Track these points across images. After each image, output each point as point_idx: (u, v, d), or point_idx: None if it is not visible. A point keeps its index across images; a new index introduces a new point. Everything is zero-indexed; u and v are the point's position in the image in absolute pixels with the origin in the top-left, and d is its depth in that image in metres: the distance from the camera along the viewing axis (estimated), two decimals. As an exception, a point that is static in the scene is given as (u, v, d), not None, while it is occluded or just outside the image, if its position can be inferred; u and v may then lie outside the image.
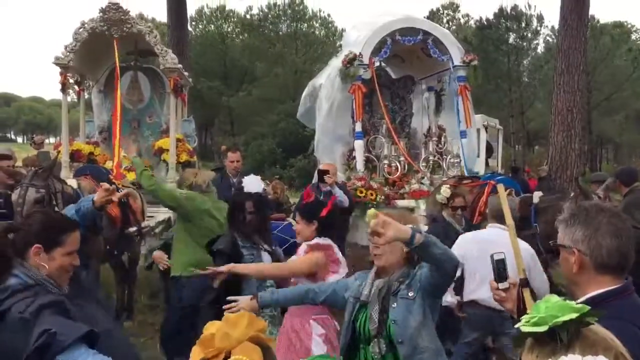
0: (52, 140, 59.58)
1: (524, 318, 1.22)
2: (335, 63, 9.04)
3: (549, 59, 30.63)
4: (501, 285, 2.30)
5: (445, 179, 7.92)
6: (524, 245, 5.30)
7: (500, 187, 2.81)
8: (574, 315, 1.16)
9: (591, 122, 32.85)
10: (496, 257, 2.35)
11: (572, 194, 5.93)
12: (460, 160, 8.60)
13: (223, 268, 3.64)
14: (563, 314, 1.17)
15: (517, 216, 5.56)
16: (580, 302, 1.83)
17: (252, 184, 4.55)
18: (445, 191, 5.78)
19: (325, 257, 3.81)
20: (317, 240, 3.88)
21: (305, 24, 41.20)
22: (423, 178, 8.41)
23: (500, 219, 4.50)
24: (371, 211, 2.45)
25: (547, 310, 1.19)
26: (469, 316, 4.83)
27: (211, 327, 1.77)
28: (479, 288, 4.61)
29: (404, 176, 8.51)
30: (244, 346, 1.71)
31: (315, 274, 3.77)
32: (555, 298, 1.24)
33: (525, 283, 2.27)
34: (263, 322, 1.85)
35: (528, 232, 6.16)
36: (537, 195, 6.69)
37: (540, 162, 15.86)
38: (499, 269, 2.33)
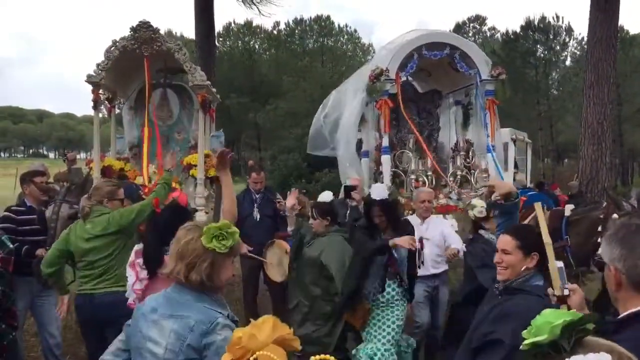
0: (83, 155, 60.75)
1: (524, 333, 1.29)
2: (359, 76, 9.07)
3: (578, 71, 30.28)
4: (557, 292, 2.44)
5: (474, 195, 7.84)
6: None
7: (538, 206, 2.87)
8: (568, 319, 1.21)
9: (622, 135, 32.29)
10: (557, 265, 2.51)
11: (604, 204, 5.80)
12: (488, 175, 8.52)
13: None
14: (557, 319, 1.22)
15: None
16: (619, 319, 1.86)
17: (378, 190, 5.21)
18: (480, 208, 5.68)
19: None
20: None
21: (332, 39, 41.45)
22: (451, 192, 8.35)
23: None
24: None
25: (543, 318, 1.25)
26: None
27: (238, 332, 1.92)
28: None
29: (432, 190, 8.45)
30: (269, 348, 1.83)
31: None
32: (548, 310, 1.31)
33: (562, 301, 2.35)
34: (287, 326, 1.98)
35: (558, 244, 6.07)
36: (569, 208, 6.59)
37: (571, 175, 15.61)
38: (560, 275, 2.46)
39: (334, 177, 21.23)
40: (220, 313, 2.48)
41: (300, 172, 28.25)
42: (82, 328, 4.82)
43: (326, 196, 5.98)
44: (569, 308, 2.36)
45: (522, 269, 2.97)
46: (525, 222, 5.82)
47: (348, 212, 6.63)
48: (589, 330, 1.24)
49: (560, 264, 2.53)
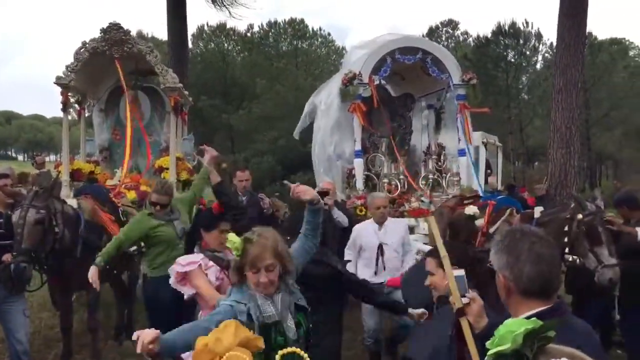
0: (52, 157, 59.71)
1: (488, 344, 1.30)
2: (335, 81, 9.10)
3: (548, 76, 30.79)
4: (463, 300, 2.43)
5: (446, 198, 7.92)
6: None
7: (431, 219, 2.96)
8: (530, 327, 1.23)
9: (590, 139, 32.95)
10: (456, 274, 2.48)
11: (571, 206, 5.91)
12: (460, 179, 8.61)
13: None
14: (519, 328, 1.24)
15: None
16: None
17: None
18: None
19: None
20: None
21: (306, 42, 41.46)
22: (422, 196, 8.41)
23: None
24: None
25: (505, 328, 1.27)
26: None
27: (202, 339, 2.01)
28: None
29: (404, 194, 8.51)
30: (236, 349, 1.93)
31: None
32: (510, 319, 1.32)
33: (461, 313, 2.36)
34: (247, 329, 2.11)
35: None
36: (538, 210, 6.69)
37: (540, 179, 15.84)
38: (459, 285, 2.45)
39: (309, 180, 21.25)
40: None
41: (274, 175, 28.18)
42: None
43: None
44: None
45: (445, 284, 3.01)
46: (495, 226, 5.90)
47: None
48: (551, 337, 1.26)
49: (461, 272, 2.51)
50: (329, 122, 8.75)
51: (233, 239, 2.76)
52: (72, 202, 6.17)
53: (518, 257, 2.00)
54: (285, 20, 41.21)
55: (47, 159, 19.51)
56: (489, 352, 1.30)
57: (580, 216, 5.14)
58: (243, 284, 2.82)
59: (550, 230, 5.88)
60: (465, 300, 2.43)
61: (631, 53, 41.43)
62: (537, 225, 6.32)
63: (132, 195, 8.19)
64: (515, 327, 1.25)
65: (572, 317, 2.07)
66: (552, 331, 1.26)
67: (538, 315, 1.92)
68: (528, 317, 1.90)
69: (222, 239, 3.88)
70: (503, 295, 2.07)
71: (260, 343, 2.06)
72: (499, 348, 1.26)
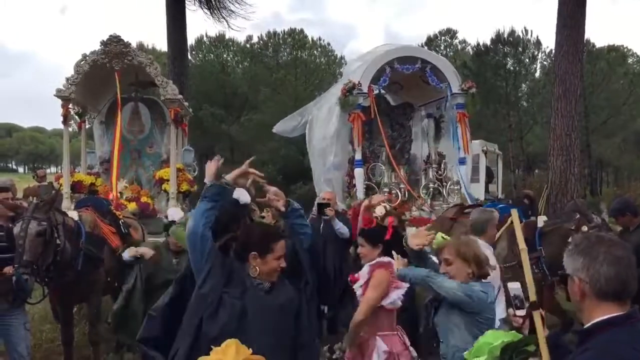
0: (53, 169, 59.74)
1: (466, 354, 1.30)
2: (334, 91, 9.12)
3: (547, 83, 30.84)
4: (519, 312, 2.37)
5: (446, 207, 7.92)
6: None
7: (514, 212, 2.95)
8: (507, 340, 1.24)
9: (590, 146, 32.94)
10: (513, 287, 2.49)
11: (576, 217, 5.92)
12: (460, 187, 8.62)
13: None
14: (496, 340, 1.24)
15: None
16: (586, 329, 1.88)
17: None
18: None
19: (389, 273, 4.01)
20: (378, 259, 4.14)
21: (306, 52, 41.56)
22: (423, 205, 8.41)
23: (479, 232, 4.85)
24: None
25: (483, 339, 1.27)
26: None
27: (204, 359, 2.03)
28: None
29: (405, 203, 8.51)
30: None
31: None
32: (490, 330, 1.32)
33: (536, 306, 2.35)
34: (247, 349, 2.13)
35: (532, 255, 6.17)
36: (541, 219, 6.70)
37: (541, 186, 15.84)
38: (516, 299, 2.44)
39: (309, 190, 21.23)
40: None
41: (275, 185, 28.17)
42: None
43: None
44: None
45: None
46: (498, 233, 5.91)
47: (322, 225, 6.62)
48: (530, 351, 1.26)
49: (518, 285, 2.54)
50: (328, 132, 8.76)
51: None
52: (73, 214, 6.17)
53: (595, 259, 1.99)
54: (284, 30, 41.36)
55: (47, 171, 19.51)
56: None
57: (585, 228, 5.14)
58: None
59: (554, 239, 5.90)
60: (521, 313, 2.44)
61: (629, 60, 41.52)
62: (540, 235, 6.35)
63: (132, 206, 8.20)
64: (493, 339, 1.25)
65: None
66: (532, 345, 1.25)
67: (609, 321, 1.93)
68: (601, 322, 1.93)
69: None
70: (577, 299, 2.04)
71: None
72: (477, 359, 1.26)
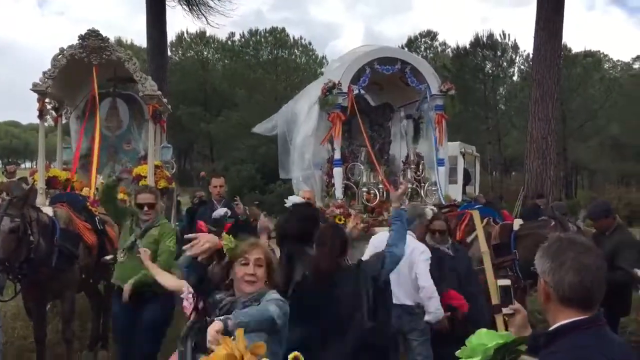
0: (28, 164, 58.73)
1: (459, 353, 1.30)
2: (313, 90, 9.11)
3: (524, 87, 31.21)
4: (505, 310, 2.34)
5: (423, 206, 7.96)
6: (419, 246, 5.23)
7: (476, 214, 2.93)
8: (501, 341, 1.24)
9: (566, 150, 33.42)
10: (501, 284, 2.44)
11: (552, 223, 5.99)
12: (438, 189, 8.67)
13: None
14: (491, 342, 1.25)
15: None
16: (550, 331, 1.90)
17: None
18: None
19: None
20: None
21: (287, 51, 41.53)
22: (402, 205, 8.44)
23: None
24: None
25: (477, 339, 1.27)
26: None
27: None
28: None
29: (383, 203, 8.53)
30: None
31: None
32: (484, 330, 1.32)
33: (497, 310, 2.34)
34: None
35: (508, 257, 6.24)
36: (517, 223, 6.77)
37: (517, 188, 16.04)
38: (504, 295, 2.40)
39: (288, 188, 21.16)
40: None
41: (253, 184, 28.09)
42: None
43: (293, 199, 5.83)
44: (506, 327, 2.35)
45: None
46: (471, 236, 5.96)
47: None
48: (522, 351, 1.27)
49: (507, 282, 2.48)
50: (307, 130, 8.75)
51: (227, 238, 2.82)
52: (48, 210, 6.08)
53: (562, 265, 1.99)
54: (266, 29, 41.27)
55: (22, 165, 19.21)
56: None
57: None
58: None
59: (529, 244, 5.96)
60: (508, 311, 2.39)
61: (605, 65, 42.24)
62: (515, 238, 6.42)
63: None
64: (487, 339, 1.26)
65: (610, 331, 2.04)
66: (524, 345, 1.27)
67: (572, 324, 1.93)
68: (566, 325, 1.92)
69: None
70: (542, 301, 2.04)
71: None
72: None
